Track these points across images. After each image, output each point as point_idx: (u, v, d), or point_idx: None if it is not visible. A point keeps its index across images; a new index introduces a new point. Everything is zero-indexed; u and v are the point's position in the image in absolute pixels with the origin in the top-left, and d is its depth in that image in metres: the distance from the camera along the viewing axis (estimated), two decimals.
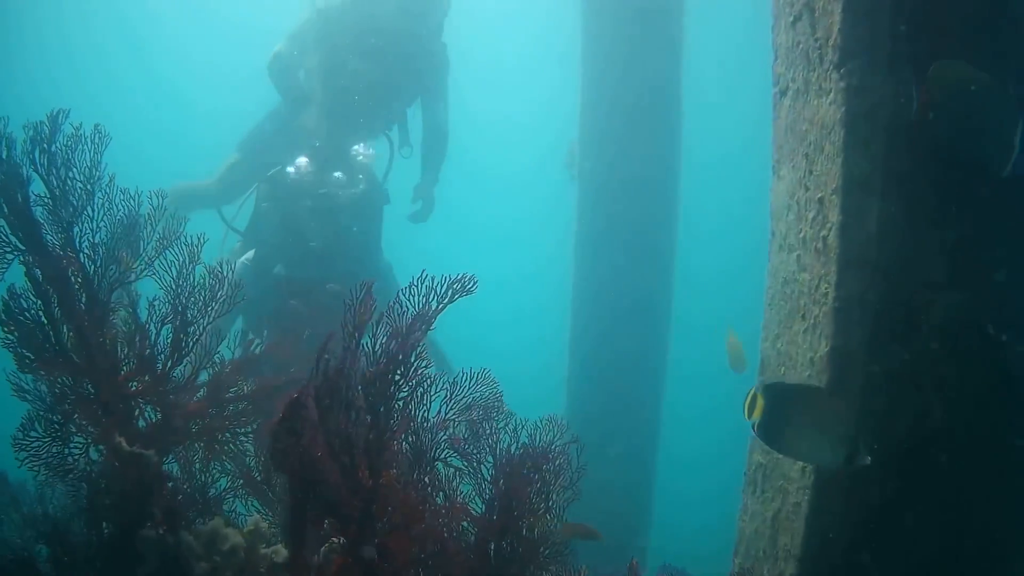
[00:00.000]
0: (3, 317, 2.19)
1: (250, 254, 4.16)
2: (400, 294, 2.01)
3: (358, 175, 4.21)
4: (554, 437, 2.29)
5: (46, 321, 2.25)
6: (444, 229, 4.97)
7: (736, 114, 13.73)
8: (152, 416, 2.38)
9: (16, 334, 2.26)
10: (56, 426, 2.27)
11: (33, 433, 2.26)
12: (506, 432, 2.28)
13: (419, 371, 2.04)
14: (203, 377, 2.53)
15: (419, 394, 2.08)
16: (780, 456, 2.61)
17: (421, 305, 2.02)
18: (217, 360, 2.52)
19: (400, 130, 4.85)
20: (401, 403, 2.05)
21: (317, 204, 4.02)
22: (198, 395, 2.45)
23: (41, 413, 2.27)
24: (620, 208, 4.76)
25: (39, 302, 2.25)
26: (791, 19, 2.67)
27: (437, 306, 2.04)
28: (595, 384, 4.91)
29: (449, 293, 2.05)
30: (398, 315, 2.01)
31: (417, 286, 2.02)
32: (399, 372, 2.00)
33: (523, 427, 2.26)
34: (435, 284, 2.03)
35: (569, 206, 5.06)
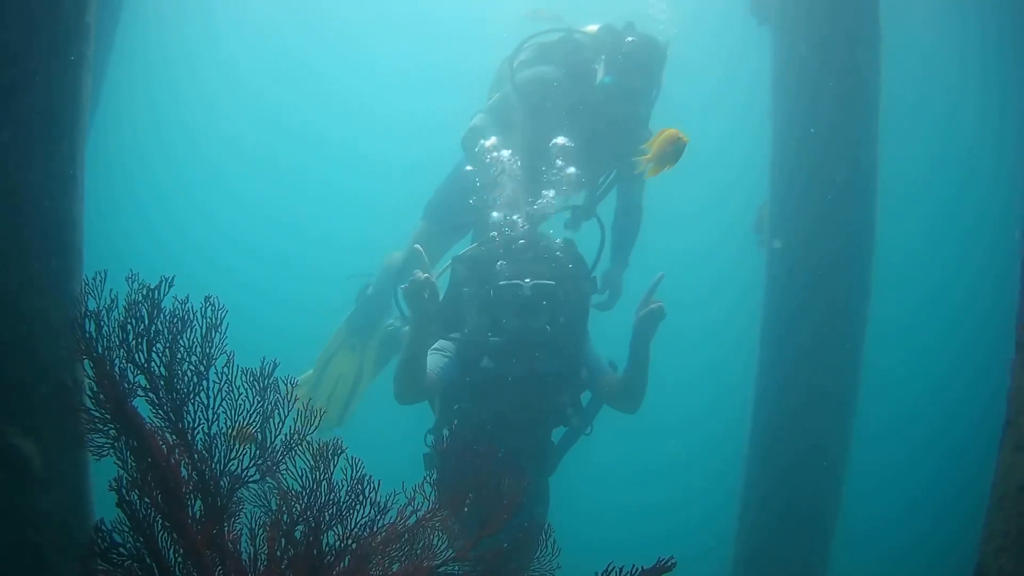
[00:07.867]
0: (98, 564, 1.84)
1: (450, 345, 3.66)
2: None
3: (566, 262, 3.69)
4: None
5: (148, 556, 1.89)
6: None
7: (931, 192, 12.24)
8: None
9: None
10: None
11: None
12: None
13: None
14: None
15: None
16: None
17: None
18: (365, 525, 2.11)
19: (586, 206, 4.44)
20: None
21: (517, 293, 3.51)
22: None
23: None
24: (814, 284, 4.26)
25: (138, 535, 1.89)
26: None
27: None
28: (771, 495, 4.51)
29: None
30: None
31: None
32: None
33: None
34: None
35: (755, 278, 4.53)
